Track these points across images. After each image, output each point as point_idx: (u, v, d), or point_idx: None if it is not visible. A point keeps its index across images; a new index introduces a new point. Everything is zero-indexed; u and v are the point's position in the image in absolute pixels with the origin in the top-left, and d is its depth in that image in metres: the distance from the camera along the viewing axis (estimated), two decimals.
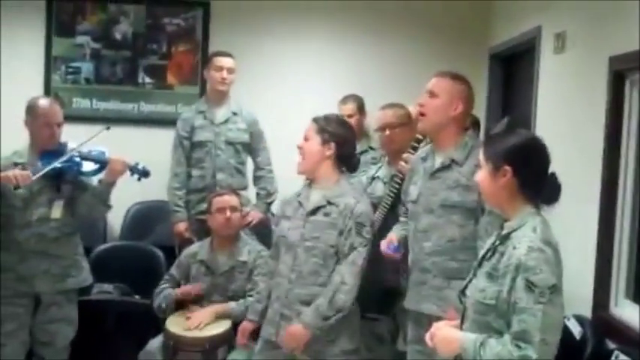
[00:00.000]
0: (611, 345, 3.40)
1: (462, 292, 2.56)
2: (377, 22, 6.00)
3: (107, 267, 4.94)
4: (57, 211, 4.11)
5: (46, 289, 4.12)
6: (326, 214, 3.43)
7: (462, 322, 2.53)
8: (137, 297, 4.82)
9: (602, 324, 3.57)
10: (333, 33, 6.04)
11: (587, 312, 3.67)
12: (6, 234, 4.07)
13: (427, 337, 2.58)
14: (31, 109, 4.12)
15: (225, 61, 5.04)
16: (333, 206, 3.42)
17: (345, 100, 5.30)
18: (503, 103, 5.71)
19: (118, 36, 6.00)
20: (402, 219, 3.70)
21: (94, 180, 4.20)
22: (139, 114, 6.02)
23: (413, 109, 4.25)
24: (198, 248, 4.44)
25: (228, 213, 4.32)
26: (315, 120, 3.54)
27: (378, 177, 4.34)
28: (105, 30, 5.98)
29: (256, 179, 5.21)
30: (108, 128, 4.17)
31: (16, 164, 4.04)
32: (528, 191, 2.42)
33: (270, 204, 5.19)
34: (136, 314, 4.64)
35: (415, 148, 3.88)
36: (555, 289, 2.28)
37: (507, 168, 2.41)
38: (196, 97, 5.75)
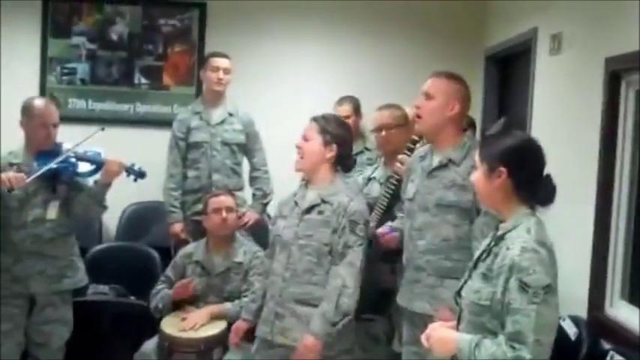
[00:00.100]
0: (607, 345, 3.39)
1: (458, 293, 2.57)
2: (373, 23, 6.00)
3: (103, 268, 4.93)
4: (52, 212, 4.11)
5: (42, 290, 4.12)
6: (320, 213, 3.43)
7: (458, 323, 2.54)
8: (133, 298, 4.82)
9: (598, 324, 3.57)
10: (330, 34, 6.03)
11: (582, 312, 3.67)
12: (1, 235, 4.06)
13: (423, 338, 2.59)
14: (27, 110, 4.12)
15: (221, 62, 5.04)
16: (327, 205, 3.42)
17: (341, 101, 5.30)
18: (499, 104, 5.71)
19: (113, 37, 5.99)
20: (399, 214, 3.70)
21: (90, 181, 4.20)
22: (134, 115, 6.01)
23: (409, 110, 4.26)
24: (194, 249, 4.43)
25: (224, 214, 4.32)
26: (316, 120, 3.52)
27: (374, 178, 4.35)
28: (101, 31, 5.97)
29: (252, 180, 5.21)
30: (103, 129, 4.17)
31: (11, 165, 4.04)
32: (523, 192, 2.43)
33: (266, 205, 5.18)
34: (131, 315, 4.64)
35: (411, 150, 3.89)
36: (549, 289, 2.28)
37: (502, 169, 2.41)
38: (192, 97, 5.74)
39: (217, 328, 4.05)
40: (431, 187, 3.35)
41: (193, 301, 4.26)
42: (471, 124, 3.54)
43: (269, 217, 5.40)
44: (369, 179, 4.37)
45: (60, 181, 4.12)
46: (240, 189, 5.12)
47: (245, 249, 4.35)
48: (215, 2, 5.96)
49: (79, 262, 4.32)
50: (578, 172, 3.81)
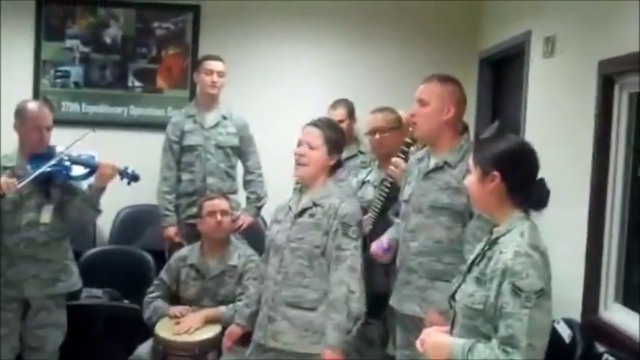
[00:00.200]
0: (601, 348, 3.40)
1: (452, 296, 2.57)
2: (367, 26, 6.00)
3: (96, 271, 4.92)
4: (46, 216, 4.09)
5: (35, 294, 4.11)
6: (311, 216, 3.42)
7: (452, 326, 2.54)
8: (126, 301, 4.80)
9: (592, 327, 3.57)
10: (324, 37, 6.03)
11: (576, 315, 3.68)
12: None
13: (418, 343, 2.59)
14: (20, 113, 4.11)
15: (215, 65, 5.04)
16: (318, 207, 3.41)
17: (335, 105, 5.28)
18: (492, 107, 5.71)
19: (107, 40, 5.98)
20: (396, 220, 3.70)
21: (84, 184, 4.18)
22: (128, 118, 6.01)
23: (403, 113, 4.26)
24: (188, 252, 4.43)
25: (218, 217, 4.32)
26: (320, 127, 3.48)
27: (368, 181, 4.35)
28: (94, 34, 5.96)
29: (246, 183, 5.21)
30: (93, 130, 4.15)
31: (5, 168, 4.03)
32: (516, 196, 2.43)
33: (260, 208, 5.18)
34: (125, 319, 4.63)
35: (405, 153, 3.89)
36: (542, 293, 2.28)
37: (496, 173, 2.41)
38: (186, 100, 5.74)
39: (212, 331, 4.05)
40: (426, 188, 3.35)
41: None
42: (464, 129, 3.53)
43: (263, 220, 5.41)
44: (363, 182, 4.38)
45: (54, 184, 4.11)
46: (235, 192, 5.12)
47: (239, 252, 4.35)
48: (209, 5, 5.96)
49: (72, 266, 4.31)
50: (571, 174, 3.82)
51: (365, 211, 3.95)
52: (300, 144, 3.49)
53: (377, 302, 3.52)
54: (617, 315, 3.55)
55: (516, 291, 2.26)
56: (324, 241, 3.37)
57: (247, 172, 5.20)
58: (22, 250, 4.06)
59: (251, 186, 5.18)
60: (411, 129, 3.81)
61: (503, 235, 2.41)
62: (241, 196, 5.21)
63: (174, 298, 4.36)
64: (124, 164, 4.17)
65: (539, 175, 2.45)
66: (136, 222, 5.75)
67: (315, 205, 3.42)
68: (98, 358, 4.57)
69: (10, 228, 4.04)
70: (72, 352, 4.35)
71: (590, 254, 3.68)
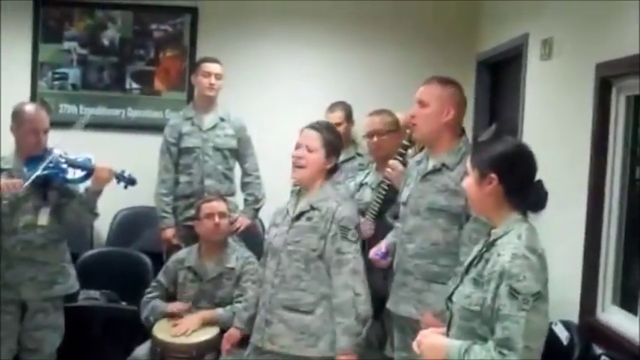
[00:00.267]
0: (598, 350, 3.40)
1: (449, 298, 2.57)
2: (364, 28, 6.00)
3: (94, 273, 4.91)
4: (43, 218, 4.08)
5: (33, 297, 4.11)
6: (308, 219, 3.41)
7: (449, 328, 2.54)
8: (124, 303, 4.80)
9: (589, 329, 3.57)
10: (322, 39, 6.04)
11: (574, 317, 3.68)
12: None
13: (414, 344, 2.59)
14: (17, 115, 4.10)
15: (212, 67, 5.04)
16: (315, 211, 3.41)
17: (332, 107, 5.28)
18: (490, 109, 5.72)
19: (105, 42, 5.98)
20: (396, 224, 3.70)
21: (81, 187, 4.18)
22: (126, 120, 6.00)
23: (401, 116, 4.27)
24: (186, 254, 4.43)
25: (216, 219, 4.32)
26: (319, 130, 3.48)
27: (366, 183, 4.36)
28: (92, 36, 5.96)
29: (244, 185, 5.21)
30: (83, 127, 4.11)
31: (2, 170, 4.03)
32: (514, 198, 2.43)
33: (257, 210, 5.18)
34: (122, 321, 4.64)
35: (402, 155, 3.90)
36: (539, 296, 2.28)
37: (493, 175, 2.41)
38: (184, 103, 5.75)
39: (210, 333, 4.04)
40: (424, 190, 3.35)
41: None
42: (462, 132, 3.55)
43: (261, 222, 5.41)
44: (361, 185, 4.38)
45: (51, 187, 4.10)
46: (232, 194, 5.12)
47: (237, 254, 4.35)
48: (207, 7, 5.96)
49: (70, 269, 4.30)
50: (569, 177, 3.82)
51: (362, 213, 3.95)
52: (298, 146, 3.48)
53: (375, 303, 3.51)
54: (614, 317, 3.55)
55: (513, 293, 2.26)
56: (321, 245, 3.37)
57: (245, 174, 5.20)
58: (19, 253, 4.06)
59: (249, 188, 5.18)
60: (408, 131, 3.82)
61: (500, 237, 2.41)
62: (239, 199, 5.20)
63: (172, 300, 4.35)
64: (121, 166, 4.17)
65: (537, 177, 2.45)
66: (134, 224, 5.74)
67: (312, 208, 3.42)
68: None
69: (7, 230, 4.04)
70: (69, 354, 4.35)
71: (587, 256, 3.68)
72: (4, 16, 5.73)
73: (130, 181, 4.19)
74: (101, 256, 5.28)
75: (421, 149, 3.79)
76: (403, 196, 3.49)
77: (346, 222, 3.37)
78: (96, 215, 4.25)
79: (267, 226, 3.95)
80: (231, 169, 5.15)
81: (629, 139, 3.61)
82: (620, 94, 3.62)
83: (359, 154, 5.09)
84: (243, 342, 3.70)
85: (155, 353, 4.03)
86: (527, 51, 4.68)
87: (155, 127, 5.61)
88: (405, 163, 3.83)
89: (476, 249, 2.55)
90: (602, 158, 3.65)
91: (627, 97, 3.61)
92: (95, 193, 4.11)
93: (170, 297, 4.37)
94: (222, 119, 5.10)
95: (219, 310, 4.16)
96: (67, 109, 5.93)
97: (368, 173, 4.44)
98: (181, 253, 4.48)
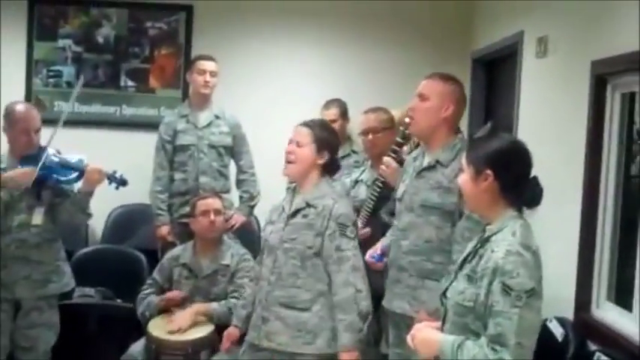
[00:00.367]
0: (593, 347, 3.41)
1: (444, 293, 2.57)
2: (361, 26, 6.00)
3: (89, 271, 4.90)
4: (38, 218, 4.08)
5: (27, 295, 4.10)
6: (304, 216, 3.41)
7: (443, 323, 2.55)
8: (119, 301, 4.80)
9: (584, 326, 3.58)
10: (317, 37, 6.04)
11: (569, 314, 3.68)
12: None
13: (408, 338, 2.59)
14: (9, 115, 4.09)
15: (207, 65, 5.04)
16: (311, 208, 3.40)
17: (328, 105, 5.29)
18: (485, 107, 5.72)
19: (100, 39, 5.97)
20: (393, 222, 3.70)
21: (75, 187, 4.17)
22: (121, 117, 5.99)
23: (396, 113, 4.27)
24: (181, 251, 4.43)
25: (212, 216, 4.32)
26: (309, 126, 3.49)
27: (361, 180, 4.36)
28: (87, 33, 5.95)
29: (239, 182, 5.21)
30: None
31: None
32: (509, 195, 2.43)
33: (252, 207, 5.18)
34: (117, 318, 4.64)
35: (396, 152, 3.90)
36: (532, 292, 2.28)
37: (489, 172, 2.42)
38: (179, 100, 5.74)
39: (204, 330, 4.04)
40: (418, 187, 3.35)
41: (181, 303, 4.25)
42: (457, 131, 3.57)
43: (256, 219, 5.41)
44: (356, 182, 4.39)
45: (45, 186, 4.09)
46: (227, 191, 5.12)
47: (232, 251, 4.35)
48: (202, 5, 5.96)
49: (64, 267, 4.29)
50: (564, 174, 3.83)
51: (357, 210, 3.95)
52: (289, 143, 3.50)
53: (372, 301, 3.51)
54: (609, 313, 3.56)
55: (506, 290, 2.26)
56: (318, 242, 3.37)
57: (240, 171, 5.20)
58: (13, 252, 4.05)
59: (244, 185, 5.18)
60: (401, 128, 3.82)
61: (495, 233, 2.41)
62: (234, 196, 5.20)
63: None
64: (116, 164, 4.17)
65: (532, 174, 2.46)
66: (129, 221, 5.74)
67: (308, 205, 3.42)
68: (91, 357, 4.57)
69: (1, 229, 4.02)
70: (64, 351, 4.34)
71: (582, 253, 3.69)
72: None
73: (122, 182, 4.18)
74: (96, 254, 5.28)
75: (417, 146, 3.79)
76: (399, 192, 3.49)
77: (344, 219, 3.38)
78: (89, 215, 4.24)
79: (262, 223, 3.95)
80: (227, 167, 5.15)
81: (624, 136, 3.62)
82: (616, 92, 3.63)
83: (354, 152, 5.10)
84: (241, 339, 3.70)
85: (150, 350, 4.02)
86: (522, 49, 4.69)
87: (150, 125, 5.60)
88: (398, 160, 3.83)
89: (470, 245, 2.55)
90: (597, 155, 3.65)
91: (622, 95, 3.61)
92: (87, 194, 4.11)
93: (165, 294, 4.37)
94: (217, 117, 5.10)
95: (214, 304, 4.15)
96: (62, 106, 5.89)
97: (363, 170, 4.44)
98: (176, 250, 4.48)
